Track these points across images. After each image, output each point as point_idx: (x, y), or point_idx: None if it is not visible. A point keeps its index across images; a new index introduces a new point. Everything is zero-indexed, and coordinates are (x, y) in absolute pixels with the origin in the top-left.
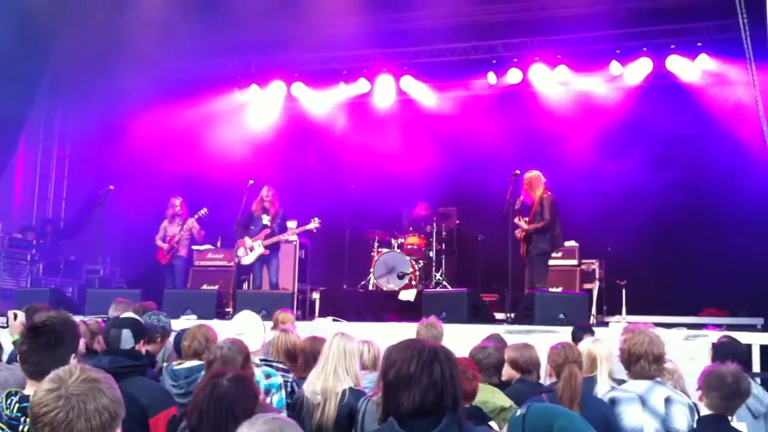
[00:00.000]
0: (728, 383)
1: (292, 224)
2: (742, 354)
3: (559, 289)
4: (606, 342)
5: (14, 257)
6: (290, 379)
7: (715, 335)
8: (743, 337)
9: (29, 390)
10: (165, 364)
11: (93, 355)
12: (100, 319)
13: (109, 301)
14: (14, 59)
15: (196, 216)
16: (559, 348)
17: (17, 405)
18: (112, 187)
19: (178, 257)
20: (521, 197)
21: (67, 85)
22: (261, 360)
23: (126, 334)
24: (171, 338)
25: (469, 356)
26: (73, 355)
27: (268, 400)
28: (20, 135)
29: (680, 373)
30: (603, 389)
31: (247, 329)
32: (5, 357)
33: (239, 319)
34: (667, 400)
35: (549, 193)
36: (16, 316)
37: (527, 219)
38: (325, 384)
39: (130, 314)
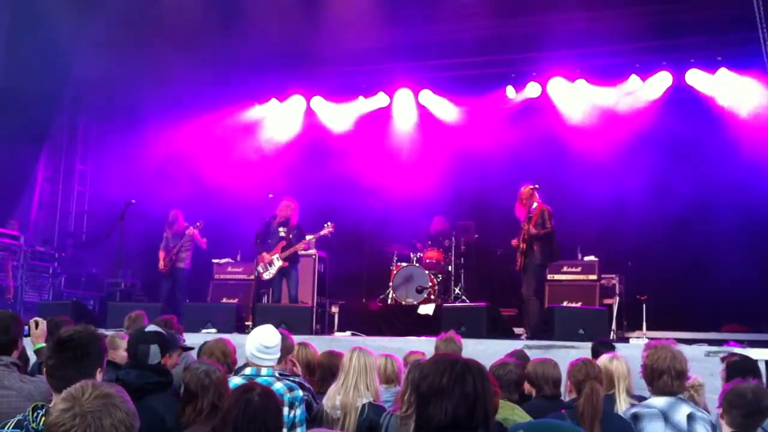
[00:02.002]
0: (749, 400)
1: (309, 237)
2: (754, 370)
3: (579, 304)
4: (623, 359)
5: (36, 270)
6: (305, 395)
7: (738, 352)
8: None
9: (55, 403)
10: None
11: (112, 367)
12: (123, 332)
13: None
14: (36, 74)
15: (193, 228)
16: (579, 364)
17: (44, 418)
18: (133, 200)
19: (178, 269)
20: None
21: (89, 100)
22: (280, 374)
23: (154, 349)
24: (193, 351)
25: (489, 372)
26: (99, 368)
27: (291, 413)
28: (42, 150)
29: (703, 387)
30: (622, 407)
31: (277, 342)
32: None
33: (268, 332)
34: (690, 417)
35: (547, 206)
36: (37, 325)
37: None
38: (345, 398)
39: (153, 327)
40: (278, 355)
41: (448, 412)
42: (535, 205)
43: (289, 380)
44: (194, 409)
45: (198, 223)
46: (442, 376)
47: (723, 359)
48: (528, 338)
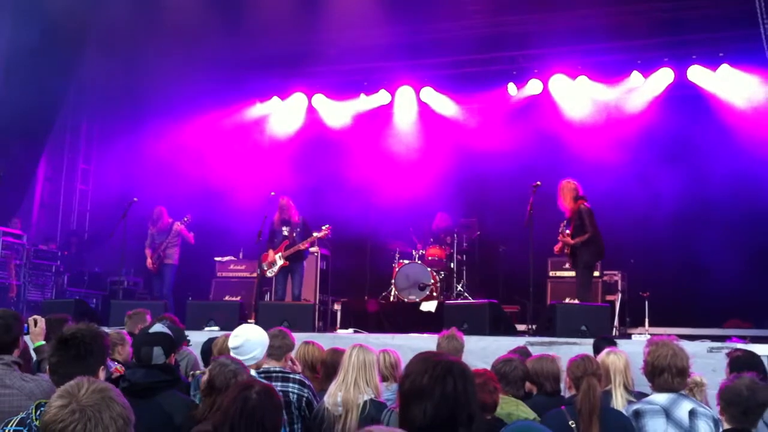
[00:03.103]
0: (745, 397)
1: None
2: (758, 365)
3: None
4: (622, 354)
5: (39, 269)
6: (306, 393)
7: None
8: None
9: None
10: (192, 372)
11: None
12: (125, 331)
13: None
14: (40, 73)
15: (180, 223)
16: (578, 360)
17: None
18: (135, 199)
19: (167, 265)
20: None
21: (91, 99)
22: (260, 372)
23: (157, 351)
24: (195, 349)
25: (494, 369)
26: (102, 366)
27: None
28: (44, 148)
29: (704, 386)
30: (618, 402)
31: (244, 341)
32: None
33: (235, 334)
34: (692, 413)
35: (585, 203)
36: (36, 323)
37: (568, 232)
38: (346, 395)
39: (160, 327)
40: (252, 354)
41: (428, 412)
42: (573, 203)
43: (268, 377)
44: (211, 405)
45: (185, 218)
46: (423, 376)
47: (728, 355)
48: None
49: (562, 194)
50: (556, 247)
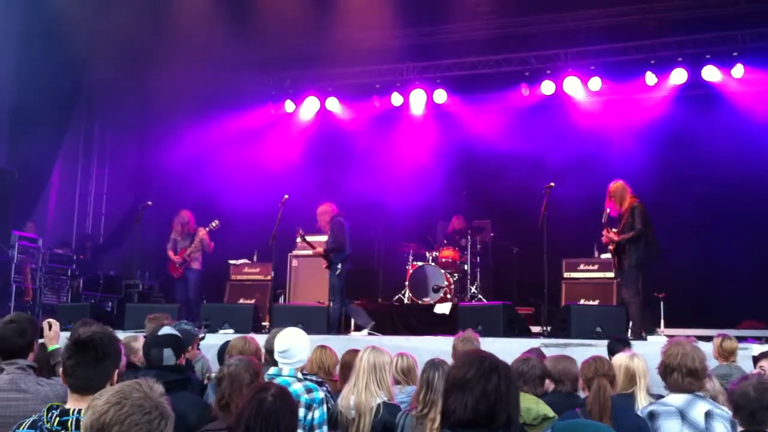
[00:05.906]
0: (752, 398)
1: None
2: None
3: (596, 302)
4: (642, 357)
5: (55, 272)
6: (322, 393)
7: (757, 349)
8: None
9: (70, 404)
10: (208, 375)
11: (133, 369)
12: (141, 335)
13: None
14: (51, 80)
15: (208, 228)
16: (590, 361)
17: (58, 419)
18: (150, 202)
19: (192, 270)
20: (607, 210)
21: (104, 104)
22: (304, 374)
23: (167, 353)
24: (214, 351)
25: (512, 368)
26: (117, 369)
27: (309, 415)
28: (59, 153)
29: (718, 388)
30: (642, 405)
31: (290, 346)
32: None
33: (281, 336)
34: (708, 414)
35: (638, 201)
36: (50, 326)
37: (616, 230)
38: (358, 399)
39: (167, 329)
40: (296, 358)
41: (468, 407)
42: (627, 202)
43: (309, 381)
44: (219, 399)
45: (213, 223)
46: (468, 370)
47: (761, 356)
48: (545, 336)
49: (616, 195)
50: (604, 239)
